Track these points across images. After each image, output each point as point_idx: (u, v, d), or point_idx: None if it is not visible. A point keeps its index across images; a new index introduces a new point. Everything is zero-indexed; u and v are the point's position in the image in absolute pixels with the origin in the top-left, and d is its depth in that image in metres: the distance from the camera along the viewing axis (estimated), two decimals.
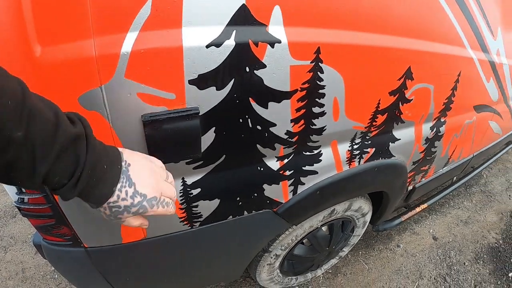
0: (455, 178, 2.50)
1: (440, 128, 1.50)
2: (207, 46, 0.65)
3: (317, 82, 0.88)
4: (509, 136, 3.31)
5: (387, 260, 2.16)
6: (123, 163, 0.50)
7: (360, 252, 2.19)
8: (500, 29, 1.66)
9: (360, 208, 1.57)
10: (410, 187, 1.73)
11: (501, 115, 2.39)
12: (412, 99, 1.20)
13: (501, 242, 2.54)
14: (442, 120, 1.48)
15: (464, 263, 2.26)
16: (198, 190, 0.86)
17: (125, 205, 0.49)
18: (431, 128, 1.45)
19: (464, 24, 1.27)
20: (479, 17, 1.37)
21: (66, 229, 0.79)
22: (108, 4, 0.54)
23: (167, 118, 0.66)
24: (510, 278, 2.18)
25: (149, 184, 0.51)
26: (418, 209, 2.09)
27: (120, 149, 0.52)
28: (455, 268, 2.21)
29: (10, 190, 0.73)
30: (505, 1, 1.69)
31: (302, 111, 0.90)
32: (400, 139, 1.31)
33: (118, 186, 0.48)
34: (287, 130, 0.91)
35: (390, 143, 1.29)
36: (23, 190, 0.72)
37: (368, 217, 1.72)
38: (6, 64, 0.38)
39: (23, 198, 0.73)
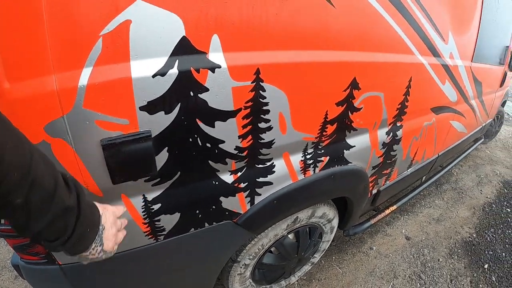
0: (424, 178, 2.57)
1: (397, 132, 1.54)
2: (153, 76, 0.71)
3: (260, 100, 0.92)
4: (476, 133, 3.43)
5: (360, 263, 2.18)
6: (100, 227, 0.61)
7: (334, 257, 2.21)
8: (451, 33, 1.72)
9: (324, 215, 1.58)
10: (374, 191, 1.76)
11: (464, 115, 2.47)
12: (361, 108, 1.22)
13: (474, 235, 2.61)
14: (398, 124, 1.52)
15: (439, 260, 2.31)
16: (159, 205, 0.90)
17: (91, 257, 0.61)
18: (387, 133, 1.48)
19: (409, 32, 1.32)
20: (426, 24, 1.42)
21: (40, 247, 0.84)
22: (65, 43, 0.60)
23: (123, 141, 0.73)
24: (486, 269, 2.24)
25: (112, 242, 0.64)
26: (387, 211, 2.12)
27: (99, 209, 0.63)
28: (429, 265, 2.26)
29: None
30: (455, 6, 1.75)
31: (249, 127, 0.94)
32: (354, 146, 1.33)
33: (93, 245, 0.59)
34: (236, 146, 0.95)
35: (344, 151, 1.31)
36: None
37: (335, 223, 1.74)
38: None
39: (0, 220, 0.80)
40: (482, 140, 4.09)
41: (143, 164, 0.79)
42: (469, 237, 2.58)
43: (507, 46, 3.49)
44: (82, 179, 0.73)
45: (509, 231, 2.72)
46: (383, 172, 1.67)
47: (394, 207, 2.18)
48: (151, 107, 0.74)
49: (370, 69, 1.18)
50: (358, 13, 1.05)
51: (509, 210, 3.09)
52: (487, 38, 2.47)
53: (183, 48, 0.73)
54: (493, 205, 3.13)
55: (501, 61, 3.38)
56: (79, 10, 0.60)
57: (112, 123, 0.70)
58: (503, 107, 4.61)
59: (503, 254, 2.41)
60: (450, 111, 2.11)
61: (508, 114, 7.25)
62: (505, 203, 3.22)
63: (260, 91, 0.90)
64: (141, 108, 0.72)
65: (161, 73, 0.72)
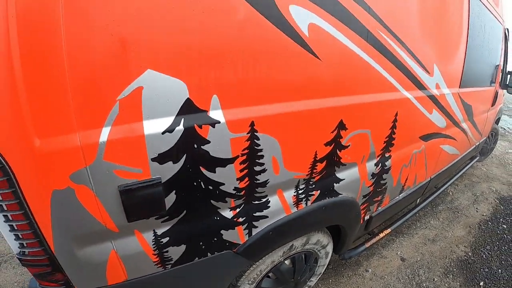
0: (418, 200, 2.63)
1: (386, 163, 1.63)
2: (163, 133, 0.84)
3: (255, 147, 1.04)
4: (470, 152, 3.50)
5: (356, 285, 2.23)
6: None
7: (330, 280, 2.25)
8: (436, 65, 1.82)
9: (318, 241, 1.65)
10: (366, 217, 1.83)
11: (455, 138, 2.56)
12: (349, 145, 1.32)
13: (470, 254, 2.65)
14: (387, 155, 1.61)
15: (434, 279, 2.35)
16: (167, 238, 1.01)
17: None
18: (376, 164, 1.57)
19: (393, 71, 1.42)
20: (409, 61, 1.52)
21: (60, 275, 0.91)
22: (87, 107, 0.73)
23: (137, 187, 0.85)
24: (482, 287, 2.27)
25: None
26: (382, 235, 2.18)
27: None
28: (424, 285, 2.29)
29: (12, 244, 0.85)
30: (440, 39, 1.85)
31: (245, 171, 1.06)
32: (344, 179, 1.42)
33: None
34: (234, 187, 1.07)
35: (334, 184, 1.40)
36: (25, 244, 0.85)
37: (329, 248, 1.80)
38: (13, 154, 0.63)
39: (24, 251, 0.86)
40: (478, 158, 4.16)
41: (154, 205, 0.92)
42: (465, 255, 2.62)
43: (498, 65, 3.61)
44: (101, 218, 0.84)
45: (505, 247, 2.76)
46: (374, 200, 1.75)
47: (388, 230, 2.24)
48: (161, 158, 0.86)
49: (356, 110, 1.27)
50: (342, 61, 1.16)
51: (505, 226, 3.13)
52: (474, 63, 2.58)
53: (188, 108, 0.86)
54: (489, 222, 3.17)
55: (492, 80, 3.49)
56: (99, 79, 0.72)
57: (128, 172, 0.83)
58: (497, 124, 4.69)
59: (499, 270, 2.45)
60: (440, 136, 2.20)
61: (504, 129, 7.33)
62: (501, 219, 3.26)
63: (255, 140, 1.02)
64: (153, 159, 0.85)
65: (169, 130, 0.85)
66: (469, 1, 2.26)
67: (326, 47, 1.08)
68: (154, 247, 1.00)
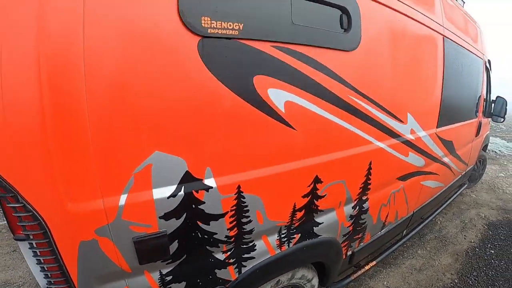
0: (404, 231, 2.78)
1: (363, 205, 1.81)
2: (168, 198, 1.07)
3: (241, 204, 1.25)
4: (456, 182, 3.66)
5: None
6: None
7: None
8: (410, 113, 2.02)
9: (303, 276, 1.81)
10: (349, 253, 1.99)
11: (436, 173, 2.74)
12: (325, 195, 1.51)
13: (456, 281, 2.77)
14: (364, 198, 1.79)
15: None
16: (171, 277, 1.22)
17: None
18: (353, 207, 1.75)
19: (365, 127, 1.62)
20: (380, 115, 1.72)
21: None
22: (109, 179, 0.96)
23: (148, 238, 1.08)
24: None
25: None
26: (367, 267, 2.33)
27: None
28: None
29: (41, 281, 1.04)
30: (412, 88, 2.06)
31: (234, 222, 1.28)
32: (322, 222, 1.60)
33: None
34: (225, 235, 1.28)
35: (314, 227, 1.58)
36: (52, 282, 1.04)
37: (314, 282, 1.95)
38: (50, 214, 0.88)
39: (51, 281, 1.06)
40: (466, 185, 4.32)
41: (161, 252, 1.14)
42: (451, 283, 2.74)
43: (480, 96, 3.82)
44: (118, 262, 1.06)
45: (492, 273, 2.87)
46: (354, 237, 1.91)
47: (374, 262, 2.38)
48: (167, 216, 1.09)
49: (330, 166, 1.47)
50: (314, 128, 1.37)
51: (493, 251, 3.26)
52: (452, 102, 2.79)
53: (187, 178, 1.10)
54: (476, 248, 3.30)
55: (476, 112, 3.70)
56: (119, 159, 0.95)
57: (140, 227, 1.06)
58: (485, 151, 4.87)
59: None
60: (419, 174, 2.38)
61: (495, 152, 7.50)
62: (489, 245, 3.39)
63: (241, 199, 1.24)
64: (160, 217, 1.08)
65: (173, 195, 1.08)
66: (443, 49, 2.50)
67: (300, 119, 1.30)
68: (159, 284, 1.20)
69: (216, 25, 1.04)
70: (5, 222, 3.50)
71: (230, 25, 1.07)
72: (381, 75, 1.70)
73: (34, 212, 0.91)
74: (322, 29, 1.34)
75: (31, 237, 0.96)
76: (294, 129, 1.28)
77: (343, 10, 1.44)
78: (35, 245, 0.97)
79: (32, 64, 0.79)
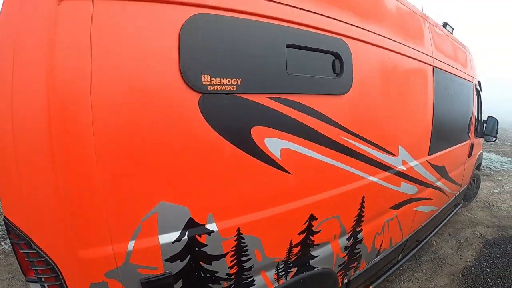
0: (400, 255, 2.83)
1: (358, 236, 1.87)
2: (173, 242, 1.15)
3: (241, 245, 1.33)
4: (452, 202, 3.74)
5: None
6: None
7: None
8: (401, 145, 2.12)
9: None
10: (345, 281, 2.04)
11: (430, 198, 2.81)
12: (320, 230, 1.58)
13: None
14: (358, 229, 1.86)
15: None
16: None
17: None
18: (348, 239, 1.81)
19: (356, 164, 1.71)
20: (371, 151, 1.82)
21: None
22: (118, 228, 1.04)
23: (154, 279, 1.15)
24: None
25: None
26: None
27: None
28: None
29: None
30: (404, 121, 2.16)
31: (234, 261, 1.35)
32: (318, 255, 1.67)
33: None
34: (226, 273, 1.36)
35: (310, 261, 1.65)
36: None
37: None
38: (62, 259, 0.96)
39: None
40: (461, 204, 4.39)
41: None
42: None
43: (471, 117, 3.94)
44: None
45: None
46: (350, 266, 1.97)
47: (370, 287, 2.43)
48: (172, 259, 1.17)
49: (324, 203, 1.55)
50: (309, 170, 1.46)
51: (489, 270, 3.30)
52: (443, 128, 2.89)
53: (190, 224, 1.18)
54: (472, 268, 3.35)
55: (467, 133, 3.81)
56: (127, 209, 1.03)
57: (147, 269, 1.13)
58: (478, 169, 4.97)
59: None
60: (413, 201, 2.45)
61: (489, 168, 7.60)
62: (485, 263, 3.44)
63: (241, 240, 1.32)
64: (166, 260, 1.16)
65: (177, 240, 1.16)
66: (433, 79, 2.62)
67: (295, 163, 1.39)
68: None
69: (216, 82, 1.14)
70: (2, 247, 3.53)
71: (229, 81, 1.17)
72: (372, 114, 1.80)
73: (47, 258, 0.99)
74: (315, 76, 1.45)
75: (43, 279, 1.04)
76: (289, 173, 1.37)
77: (336, 55, 1.55)
78: None
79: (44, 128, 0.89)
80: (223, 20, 1.17)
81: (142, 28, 1.00)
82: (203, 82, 1.11)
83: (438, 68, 2.73)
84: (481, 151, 4.91)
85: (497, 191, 6.09)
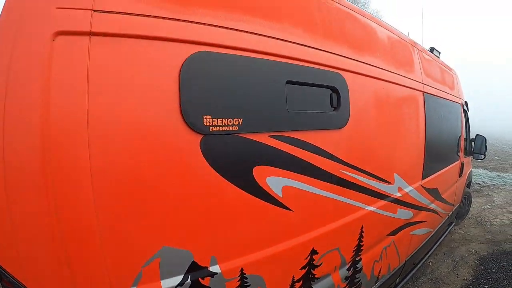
0: (397, 280, 2.82)
1: (357, 265, 1.87)
2: (176, 286, 1.10)
3: (245, 284, 1.31)
4: (446, 222, 3.77)
5: None
6: None
7: None
8: (397, 173, 2.15)
9: None
10: None
11: (425, 220, 2.84)
12: (321, 263, 1.57)
13: None
14: (357, 259, 1.86)
15: None
16: None
17: None
18: (348, 269, 1.81)
19: (355, 195, 1.73)
20: (371, 182, 1.84)
21: None
22: (119, 273, 1.00)
23: None
24: None
25: None
26: None
27: None
28: None
29: None
30: (398, 149, 2.21)
31: None
32: None
33: None
34: None
35: None
36: None
37: None
38: None
39: None
40: (454, 223, 4.43)
41: None
42: None
43: (460, 137, 4.04)
44: None
45: None
46: None
47: None
48: None
49: (325, 237, 1.56)
50: (310, 206, 1.48)
51: (486, 286, 3.32)
52: (435, 151, 2.96)
53: (193, 267, 1.15)
54: (470, 286, 3.36)
55: (457, 153, 3.89)
56: (127, 255, 1.00)
57: None
58: (469, 187, 5.05)
59: None
60: (409, 225, 2.47)
61: (479, 184, 7.74)
62: (482, 280, 3.46)
63: (244, 279, 1.30)
64: None
65: (180, 284, 1.12)
66: (424, 104, 2.69)
67: (296, 200, 1.40)
68: None
69: (217, 123, 1.14)
70: None
71: (230, 121, 1.17)
72: (369, 144, 1.84)
73: None
74: (314, 112, 1.48)
75: None
76: (291, 210, 1.37)
77: (333, 89, 1.59)
78: None
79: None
80: (224, 58, 1.17)
81: (141, 66, 0.99)
82: (205, 123, 1.10)
83: (428, 93, 2.82)
84: (471, 169, 5.02)
85: (488, 207, 6.18)
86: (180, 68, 1.06)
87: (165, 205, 1.05)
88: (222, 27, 1.18)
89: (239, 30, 1.23)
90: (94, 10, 0.92)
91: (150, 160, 1.01)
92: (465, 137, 4.35)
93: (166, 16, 1.05)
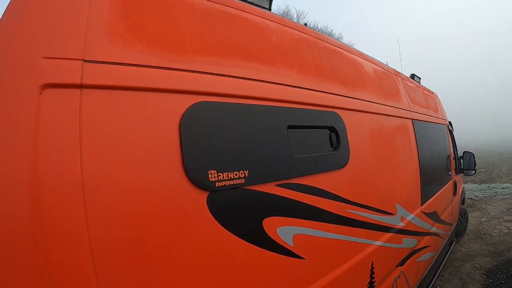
0: None
1: None
2: None
3: None
4: (447, 242, 3.77)
5: None
6: None
7: None
8: (398, 203, 2.16)
9: None
10: None
11: (428, 245, 2.82)
12: None
13: None
14: None
15: None
16: None
17: None
18: None
19: (365, 233, 1.72)
20: (376, 217, 1.84)
21: None
22: None
23: None
24: None
25: None
26: None
27: None
28: None
29: None
30: (397, 179, 2.23)
31: None
32: None
33: None
34: None
35: None
36: None
37: None
38: None
39: None
40: (455, 241, 4.43)
41: None
42: None
43: (449, 155, 4.13)
44: None
45: None
46: None
47: None
48: None
49: (337, 280, 1.52)
50: (321, 250, 1.45)
51: None
52: (430, 174, 3.01)
53: None
54: None
55: (449, 173, 3.96)
56: None
57: None
58: (463, 204, 5.12)
59: None
60: (414, 253, 2.45)
61: (471, 199, 7.86)
62: None
63: None
64: None
65: None
66: (414, 131, 2.77)
67: (308, 248, 1.37)
68: None
69: (223, 177, 1.08)
70: None
71: (236, 174, 1.12)
72: (370, 179, 1.85)
73: None
74: (316, 155, 1.48)
75: None
76: (303, 258, 1.34)
77: (331, 129, 1.62)
78: None
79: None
80: (224, 107, 1.13)
81: (138, 120, 0.91)
82: (210, 179, 1.03)
83: (416, 119, 2.91)
84: (463, 186, 5.11)
85: (485, 219, 6.24)
86: (180, 121, 0.99)
87: (172, 272, 0.95)
88: (220, 74, 1.16)
89: (237, 77, 1.22)
90: (85, 60, 0.85)
91: (153, 224, 0.91)
92: (453, 155, 4.47)
93: (162, 66, 1.00)
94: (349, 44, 2.53)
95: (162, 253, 0.94)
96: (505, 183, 10.31)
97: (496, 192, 8.52)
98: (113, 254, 0.84)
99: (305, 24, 1.86)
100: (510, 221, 5.94)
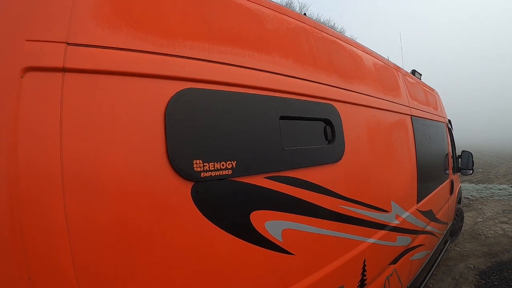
0: None
1: None
2: None
3: None
4: (442, 240, 3.74)
5: None
6: None
7: None
8: (393, 201, 2.11)
9: None
10: None
11: (422, 244, 2.79)
12: None
13: None
14: None
15: None
16: None
17: None
18: None
19: (357, 230, 1.68)
20: (369, 214, 1.79)
21: None
22: None
23: None
24: None
25: None
26: None
27: None
28: None
29: None
30: (393, 175, 2.19)
31: None
32: None
33: None
34: None
35: None
36: None
37: None
38: None
39: None
40: (449, 240, 4.41)
41: None
42: None
43: (447, 154, 4.10)
44: None
45: None
46: None
47: None
48: None
49: (328, 277, 1.48)
50: (311, 246, 1.40)
51: None
52: (426, 173, 2.96)
53: None
54: None
55: (446, 172, 3.93)
56: None
57: None
58: (459, 203, 5.09)
59: None
60: (408, 251, 2.42)
61: (468, 198, 7.85)
62: None
63: None
64: None
65: None
66: (412, 127, 2.72)
67: (297, 243, 1.32)
68: None
69: (209, 167, 1.03)
70: None
71: (223, 165, 1.07)
72: (365, 175, 1.80)
73: None
74: (310, 148, 1.43)
75: None
76: (292, 254, 1.29)
77: (326, 121, 1.56)
78: None
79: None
80: (213, 95, 1.08)
81: (122, 106, 0.87)
82: (195, 169, 0.99)
83: (415, 116, 2.86)
84: (459, 185, 5.07)
85: (480, 219, 6.23)
86: (166, 108, 0.94)
87: (154, 263, 0.90)
88: (210, 61, 1.10)
89: (228, 64, 1.16)
90: (68, 43, 0.80)
91: (135, 214, 0.87)
92: (452, 154, 4.42)
93: (148, 50, 0.94)
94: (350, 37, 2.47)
95: (144, 244, 0.89)
96: (502, 184, 10.30)
97: (493, 193, 8.51)
98: (92, 245, 0.80)
99: (305, 14, 1.79)
100: (506, 223, 5.93)
